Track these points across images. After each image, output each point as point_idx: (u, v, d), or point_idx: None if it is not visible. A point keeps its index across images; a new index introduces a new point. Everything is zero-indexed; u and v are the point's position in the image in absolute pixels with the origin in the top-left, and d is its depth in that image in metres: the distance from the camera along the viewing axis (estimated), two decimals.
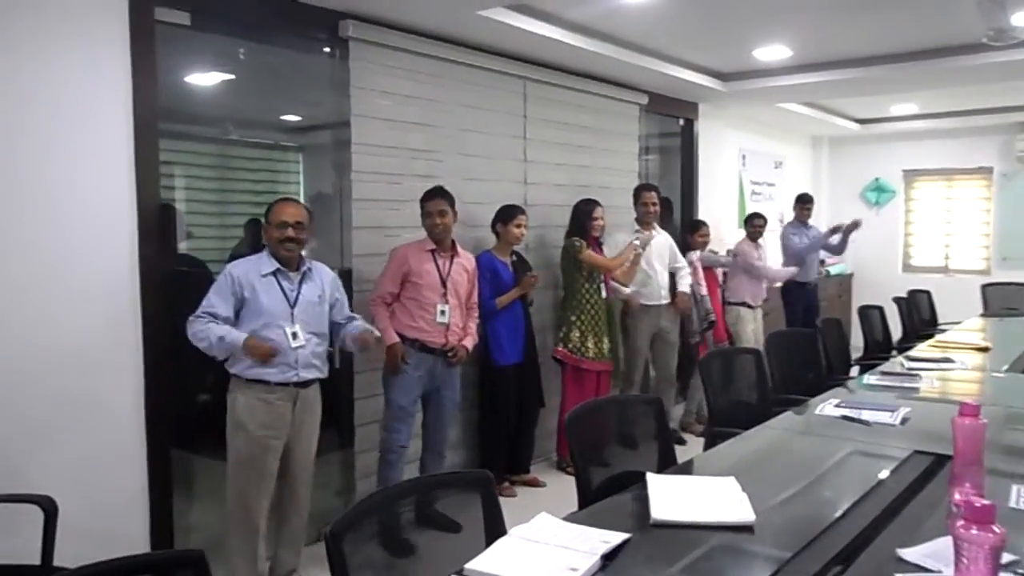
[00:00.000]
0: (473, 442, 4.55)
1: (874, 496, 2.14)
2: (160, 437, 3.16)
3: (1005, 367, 4.00)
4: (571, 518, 1.96)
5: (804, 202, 6.77)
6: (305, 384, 3.05)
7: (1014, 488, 2.11)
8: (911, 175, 9.06)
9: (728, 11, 4.30)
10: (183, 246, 3.83)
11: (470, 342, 3.90)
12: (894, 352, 5.21)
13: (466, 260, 3.91)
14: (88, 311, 2.93)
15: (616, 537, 1.78)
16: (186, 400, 3.64)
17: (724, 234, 7.32)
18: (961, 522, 1.33)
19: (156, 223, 3.11)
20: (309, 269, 3.11)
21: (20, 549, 2.33)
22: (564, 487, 3.85)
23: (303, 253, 3.12)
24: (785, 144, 8.65)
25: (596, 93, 5.35)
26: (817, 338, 4.22)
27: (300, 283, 3.06)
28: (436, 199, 3.74)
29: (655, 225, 5.30)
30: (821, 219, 9.37)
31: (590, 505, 2.15)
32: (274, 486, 3.06)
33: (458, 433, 4.40)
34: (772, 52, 5.26)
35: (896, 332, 5.97)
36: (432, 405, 3.86)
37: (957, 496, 2.04)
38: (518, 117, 4.82)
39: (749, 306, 6.15)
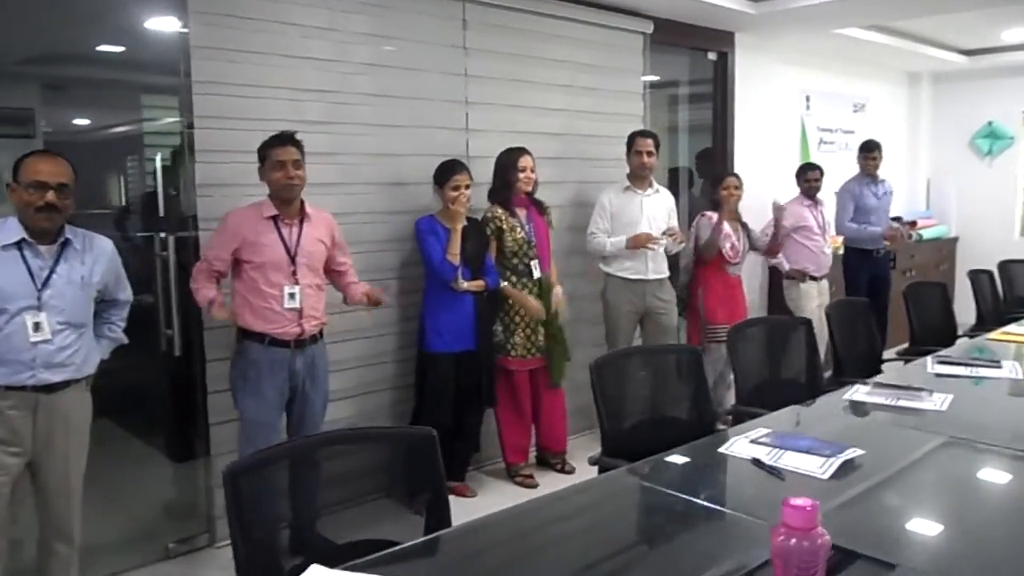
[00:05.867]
0: None
1: None
2: None
3: None
4: None
5: (868, 150, 5.51)
6: (49, 388, 2.37)
7: None
8: None
9: None
10: None
11: (362, 288, 3.22)
12: (956, 342, 4.00)
13: (322, 223, 3.07)
14: None
15: None
16: None
17: (780, 192, 6.14)
18: None
19: None
20: (68, 240, 2.42)
21: None
22: (499, 499, 3.21)
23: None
24: (869, 83, 7.20)
25: (572, 19, 4.34)
26: (809, 330, 3.16)
27: (56, 259, 2.39)
28: (286, 146, 2.91)
29: (652, 180, 4.33)
30: (919, 172, 7.91)
31: None
32: (22, 511, 2.44)
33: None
34: None
35: (970, 315, 4.72)
36: (296, 408, 3.06)
37: None
38: (455, 48, 3.91)
39: (813, 277, 5.09)
